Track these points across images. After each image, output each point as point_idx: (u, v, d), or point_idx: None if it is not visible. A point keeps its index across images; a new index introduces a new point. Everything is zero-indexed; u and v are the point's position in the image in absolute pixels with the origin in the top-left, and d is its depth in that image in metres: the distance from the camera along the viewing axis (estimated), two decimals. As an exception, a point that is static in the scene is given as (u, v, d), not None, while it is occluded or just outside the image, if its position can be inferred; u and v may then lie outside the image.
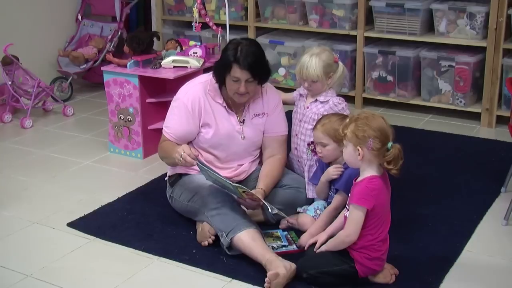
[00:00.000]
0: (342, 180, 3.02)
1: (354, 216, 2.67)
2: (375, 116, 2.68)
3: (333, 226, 2.88)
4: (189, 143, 3.32)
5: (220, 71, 3.19)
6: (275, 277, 2.70)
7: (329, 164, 3.15)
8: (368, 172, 2.69)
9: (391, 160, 2.62)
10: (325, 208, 3.14)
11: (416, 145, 4.35)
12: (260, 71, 3.18)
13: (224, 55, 3.18)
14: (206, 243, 3.10)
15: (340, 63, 3.37)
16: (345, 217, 2.75)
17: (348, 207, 2.73)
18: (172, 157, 3.14)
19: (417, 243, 3.13)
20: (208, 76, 3.34)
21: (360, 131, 2.63)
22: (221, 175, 3.08)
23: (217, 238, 3.06)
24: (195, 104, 3.25)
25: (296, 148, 3.46)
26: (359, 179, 2.72)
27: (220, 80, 3.22)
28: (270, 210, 3.01)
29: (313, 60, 3.27)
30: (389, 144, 2.63)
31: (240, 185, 3.06)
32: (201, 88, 3.28)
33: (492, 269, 2.95)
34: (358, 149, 2.65)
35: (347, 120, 2.72)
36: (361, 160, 2.67)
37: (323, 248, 2.79)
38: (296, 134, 3.43)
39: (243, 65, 3.09)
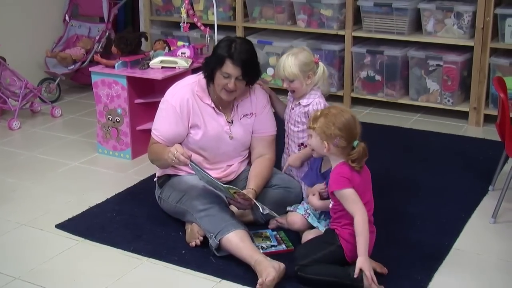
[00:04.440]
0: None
1: (348, 200, 2.73)
2: (344, 113, 2.79)
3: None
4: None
5: (211, 65, 3.18)
6: (272, 282, 2.71)
7: (320, 164, 3.14)
8: (337, 160, 2.82)
9: (355, 159, 2.74)
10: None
11: (404, 144, 4.36)
12: (251, 70, 3.18)
13: (217, 50, 3.18)
14: (194, 243, 3.09)
15: (321, 64, 3.35)
16: (331, 208, 2.84)
17: (332, 201, 2.82)
18: (164, 158, 3.12)
19: (406, 241, 3.14)
20: (196, 77, 3.33)
21: (328, 129, 2.77)
22: (212, 177, 3.08)
23: (205, 238, 3.06)
24: (183, 105, 3.24)
25: (287, 148, 3.47)
26: (332, 168, 2.85)
27: (209, 75, 3.21)
28: (261, 210, 3.01)
29: (290, 59, 3.25)
30: (355, 143, 2.76)
31: (231, 186, 3.06)
32: (188, 89, 3.28)
33: (481, 267, 2.97)
34: (324, 143, 2.78)
35: (318, 112, 2.85)
36: (328, 152, 2.81)
37: (361, 259, 2.68)
38: (287, 135, 3.45)
39: (236, 61, 3.10)
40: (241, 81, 3.17)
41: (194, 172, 3.24)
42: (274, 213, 3.13)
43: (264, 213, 3.05)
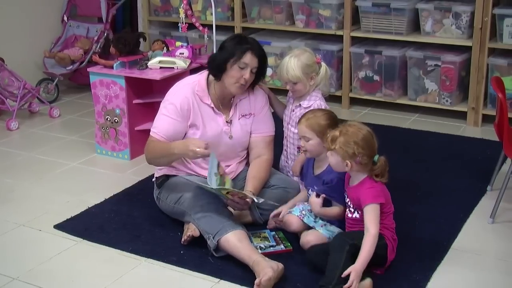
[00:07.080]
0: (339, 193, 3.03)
1: (374, 214, 2.76)
2: (361, 130, 2.81)
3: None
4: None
5: (226, 58, 3.17)
6: (269, 281, 2.71)
7: (313, 163, 3.14)
8: (362, 175, 2.83)
9: (379, 173, 2.80)
10: (309, 210, 3.13)
11: (402, 144, 4.37)
12: (264, 65, 3.25)
13: (232, 44, 3.19)
14: (183, 240, 3.10)
15: (323, 64, 3.36)
16: (348, 218, 2.88)
17: (352, 209, 2.85)
18: (172, 153, 3.14)
19: (404, 241, 3.13)
20: (197, 77, 3.34)
21: (349, 148, 2.77)
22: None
23: (202, 238, 3.05)
24: (183, 104, 3.24)
25: (286, 150, 3.47)
26: (356, 183, 2.84)
27: (219, 70, 3.21)
28: (256, 200, 3.01)
29: (292, 61, 3.26)
30: (376, 157, 2.79)
31: (223, 187, 3.06)
32: (189, 88, 3.28)
33: (479, 267, 2.97)
34: (347, 162, 2.78)
35: (336, 132, 2.82)
36: (349, 170, 2.82)
37: (357, 266, 2.68)
38: (285, 137, 3.45)
39: (257, 52, 3.17)
40: (253, 74, 3.20)
41: (196, 172, 3.26)
42: (270, 201, 3.12)
43: (259, 201, 3.05)
